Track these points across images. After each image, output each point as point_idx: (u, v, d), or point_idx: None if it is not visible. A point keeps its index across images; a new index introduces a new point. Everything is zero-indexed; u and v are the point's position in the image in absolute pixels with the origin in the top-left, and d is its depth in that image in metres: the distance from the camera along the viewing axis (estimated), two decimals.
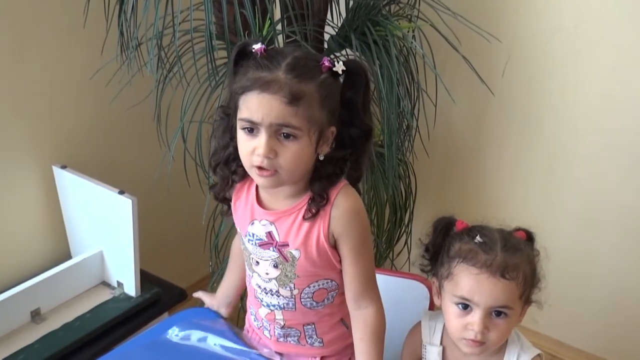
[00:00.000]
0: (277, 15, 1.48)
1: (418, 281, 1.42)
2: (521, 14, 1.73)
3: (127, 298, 1.66)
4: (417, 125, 1.66)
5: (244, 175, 1.15)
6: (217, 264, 1.71)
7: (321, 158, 1.06)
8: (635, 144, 1.69)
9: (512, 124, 1.87)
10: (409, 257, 1.84)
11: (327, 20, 1.62)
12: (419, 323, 1.22)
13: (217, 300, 1.37)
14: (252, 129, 1.01)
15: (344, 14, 1.61)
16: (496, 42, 1.59)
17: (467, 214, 2.04)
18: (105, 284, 1.72)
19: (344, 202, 1.08)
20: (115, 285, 1.69)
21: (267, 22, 1.47)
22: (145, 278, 1.69)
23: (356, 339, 1.15)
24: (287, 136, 1.00)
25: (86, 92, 1.72)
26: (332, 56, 1.10)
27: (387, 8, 1.63)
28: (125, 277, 1.66)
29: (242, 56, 1.05)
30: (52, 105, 1.66)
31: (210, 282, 1.70)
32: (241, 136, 1.03)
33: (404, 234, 1.84)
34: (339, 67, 1.03)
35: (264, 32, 1.44)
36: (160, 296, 1.69)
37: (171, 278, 1.79)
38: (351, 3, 1.58)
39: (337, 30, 1.62)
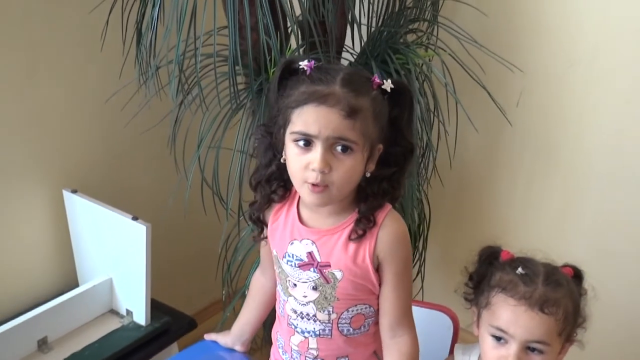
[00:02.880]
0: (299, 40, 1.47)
1: (441, 312, 1.40)
2: (538, 44, 1.74)
3: (137, 327, 1.61)
4: (435, 156, 1.64)
5: (284, 196, 1.14)
6: (229, 293, 1.67)
7: (367, 175, 1.05)
8: None
9: (525, 154, 1.87)
10: (422, 287, 1.82)
11: (345, 47, 1.62)
12: (451, 356, 1.19)
13: (231, 337, 1.35)
14: (307, 142, 0.99)
15: (357, 41, 1.60)
16: (511, 72, 1.59)
17: (479, 242, 2.03)
18: (114, 312, 1.67)
19: (391, 225, 1.07)
20: (124, 313, 1.64)
21: (289, 49, 1.46)
22: (154, 306, 1.64)
23: None
24: (344, 150, 0.99)
25: (100, 115, 1.69)
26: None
27: (405, 37, 1.63)
28: (135, 305, 1.62)
29: (287, 73, 1.05)
30: (63, 127, 1.63)
31: (224, 315, 1.66)
32: (293, 150, 1.01)
33: (417, 262, 1.82)
34: (388, 85, 1.04)
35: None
36: (170, 325, 1.65)
37: (177, 305, 1.75)
38: (372, 29, 1.57)
39: (355, 57, 1.61)
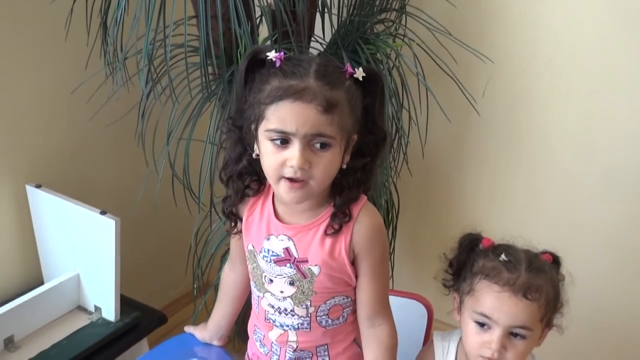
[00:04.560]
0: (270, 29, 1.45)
1: (416, 300, 1.41)
2: (504, 35, 1.76)
3: (106, 323, 1.58)
4: (407, 145, 1.65)
5: (259, 189, 1.12)
6: (199, 286, 1.65)
7: (344, 167, 1.04)
8: (612, 165, 1.73)
9: (491, 144, 1.89)
10: (392, 274, 1.83)
11: (314, 36, 1.61)
12: (431, 343, 1.21)
13: (208, 333, 1.34)
14: (284, 140, 0.97)
15: (327, 31, 1.59)
16: (476, 63, 1.60)
17: (445, 230, 2.04)
18: (81, 308, 1.63)
19: (367, 218, 1.06)
20: (92, 309, 1.61)
21: (263, 40, 1.44)
22: (122, 301, 1.60)
23: (369, 358, 1.13)
24: (323, 146, 0.97)
25: (65, 107, 1.63)
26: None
27: (374, 27, 1.62)
28: (103, 301, 1.58)
29: (254, 65, 1.02)
30: (26, 120, 1.57)
31: (195, 309, 1.63)
32: (268, 148, 0.99)
33: None
34: (360, 74, 1.01)
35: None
36: (140, 320, 1.62)
37: (145, 298, 1.72)
38: (342, 19, 1.57)
39: (325, 47, 1.60)
